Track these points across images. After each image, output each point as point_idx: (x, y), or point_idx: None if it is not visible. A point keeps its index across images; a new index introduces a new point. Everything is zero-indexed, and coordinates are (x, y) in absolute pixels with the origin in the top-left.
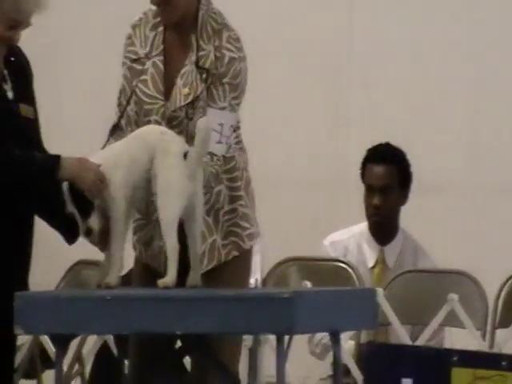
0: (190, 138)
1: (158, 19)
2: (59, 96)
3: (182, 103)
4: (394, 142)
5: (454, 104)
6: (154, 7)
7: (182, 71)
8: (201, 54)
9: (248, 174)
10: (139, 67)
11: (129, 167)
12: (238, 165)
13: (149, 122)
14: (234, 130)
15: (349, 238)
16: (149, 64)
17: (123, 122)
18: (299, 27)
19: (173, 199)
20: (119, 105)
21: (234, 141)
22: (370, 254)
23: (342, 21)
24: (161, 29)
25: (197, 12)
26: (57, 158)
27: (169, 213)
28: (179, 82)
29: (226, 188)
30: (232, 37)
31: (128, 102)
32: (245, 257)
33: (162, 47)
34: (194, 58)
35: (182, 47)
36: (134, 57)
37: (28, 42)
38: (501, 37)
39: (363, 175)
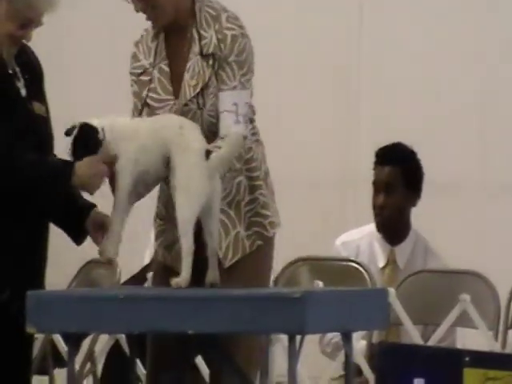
0: (205, 128)
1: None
2: (69, 95)
3: (192, 94)
4: (406, 142)
5: (466, 104)
6: None
7: (188, 65)
8: (203, 42)
9: (266, 165)
10: (146, 78)
11: (139, 151)
12: (255, 155)
13: None
14: (251, 115)
15: (360, 238)
16: (155, 72)
17: None
18: (311, 28)
19: (191, 199)
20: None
21: (250, 132)
22: (380, 254)
23: (352, 21)
24: (162, 36)
25: (193, 6)
26: (70, 165)
27: (186, 212)
28: (186, 76)
29: (246, 178)
30: (231, 16)
31: (140, 114)
32: (268, 244)
33: (165, 52)
34: (197, 48)
35: (184, 44)
36: (140, 70)
37: (38, 41)
38: (510, 40)
39: (373, 174)
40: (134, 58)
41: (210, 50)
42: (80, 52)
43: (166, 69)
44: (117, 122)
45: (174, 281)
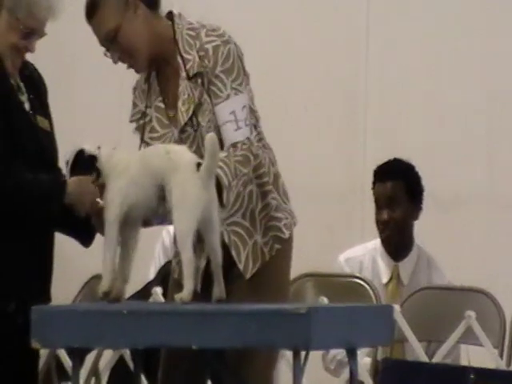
0: (202, 146)
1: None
2: (73, 110)
3: (186, 119)
4: (410, 156)
5: (472, 118)
6: None
7: (179, 92)
8: (188, 66)
9: (275, 168)
10: (144, 120)
11: (129, 184)
12: (263, 161)
13: None
14: (251, 114)
15: (364, 254)
16: (152, 111)
17: None
18: (317, 41)
19: (187, 211)
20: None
21: (256, 138)
22: (384, 269)
23: (358, 34)
24: (153, 74)
25: (174, 35)
26: (62, 184)
27: (184, 225)
28: (179, 103)
29: (256, 186)
30: (209, 29)
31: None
32: (286, 246)
33: (158, 88)
34: (184, 74)
35: (174, 73)
36: (139, 115)
37: (41, 55)
38: None
39: (374, 194)
40: (133, 105)
41: (195, 70)
42: (84, 65)
43: (161, 105)
44: (114, 155)
45: (178, 296)
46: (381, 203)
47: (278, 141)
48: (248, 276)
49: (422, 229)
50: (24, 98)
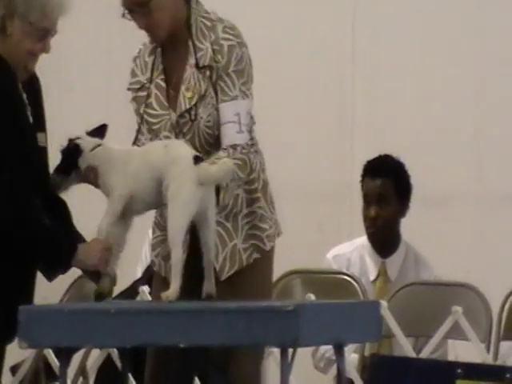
0: (201, 139)
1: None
2: (61, 89)
3: (188, 106)
4: (398, 154)
5: (459, 115)
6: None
7: (184, 77)
8: (199, 54)
9: (265, 175)
10: (144, 93)
11: (129, 178)
12: (254, 166)
13: (160, 138)
14: (251, 118)
15: (351, 251)
16: (152, 87)
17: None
18: (303, 38)
19: (180, 207)
20: (136, 139)
21: (250, 142)
22: (371, 266)
23: (345, 32)
24: (159, 50)
25: (189, 18)
26: (74, 247)
27: (175, 221)
28: (182, 87)
29: (244, 191)
30: (227, 26)
31: (139, 131)
32: (266, 258)
33: (162, 66)
34: (193, 60)
35: (181, 56)
36: (137, 86)
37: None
38: (506, 46)
39: (362, 188)
40: (132, 73)
41: (206, 62)
42: (78, 63)
43: (163, 84)
44: (112, 152)
45: (164, 294)
46: (369, 199)
47: (268, 140)
48: (223, 278)
49: (411, 225)
50: (29, 112)
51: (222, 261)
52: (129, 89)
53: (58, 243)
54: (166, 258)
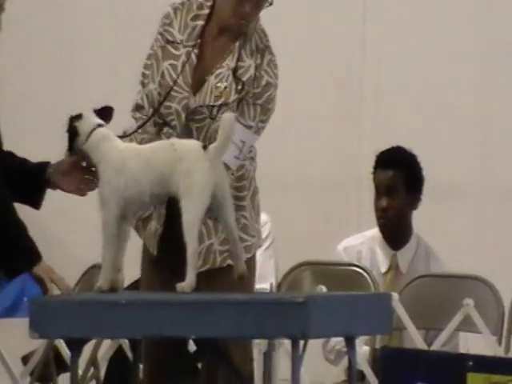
0: (211, 138)
1: (203, 11)
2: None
3: (212, 103)
4: (406, 145)
5: (467, 108)
6: None
7: (218, 71)
8: (240, 63)
9: (255, 183)
10: (172, 50)
11: (128, 181)
12: (247, 174)
13: (169, 108)
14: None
15: (362, 243)
16: (182, 51)
17: (146, 101)
18: (313, 35)
19: (194, 200)
20: (143, 83)
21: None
22: (382, 258)
23: (354, 26)
24: (201, 22)
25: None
26: (38, 256)
27: (190, 215)
28: (213, 80)
29: (232, 196)
30: (272, 61)
31: (154, 82)
32: None
33: (199, 41)
34: (232, 64)
35: (220, 49)
36: (170, 38)
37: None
38: None
39: (373, 179)
40: (168, 21)
41: (244, 78)
42: (81, 46)
43: (194, 59)
44: (110, 152)
45: (179, 285)
46: (380, 190)
47: (275, 131)
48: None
49: (420, 217)
50: None
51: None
52: (160, 33)
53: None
54: (145, 221)
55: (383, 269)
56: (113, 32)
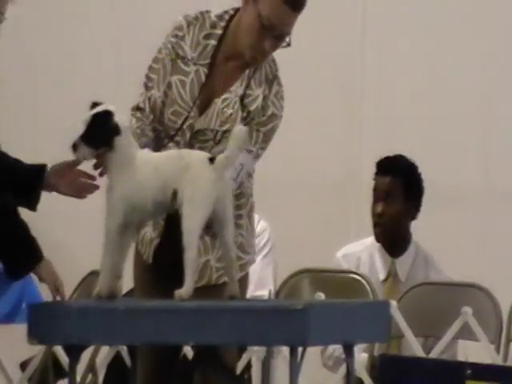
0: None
1: (216, 31)
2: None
3: (217, 127)
4: (406, 150)
5: (467, 112)
6: (213, 14)
7: (225, 96)
8: (248, 92)
9: (252, 199)
10: (182, 66)
11: (135, 188)
12: (244, 191)
13: (175, 123)
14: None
15: (361, 251)
16: (192, 69)
17: (147, 105)
18: (313, 35)
19: (196, 208)
20: (146, 86)
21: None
22: (381, 266)
23: (355, 32)
24: (213, 42)
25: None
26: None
27: (191, 222)
28: (220, 104)
29: None
30: (280, 93)
31: (158, 89)
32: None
33: (209, 60)
34: (241, 91)
35: (230, 73)
36: (181, 53)
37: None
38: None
39: (373, 184)
40: (181, 33)
41: (251, 108)
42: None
43: (203, 78)
44: (134, 150)
45: (177, 292)
46: (377, 196)
47: (275, 137)
48: None
49: (419, 224)
50: None
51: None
52: (172, 45)
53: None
54: (139, 227)
55: (382, 276)
56: (114, 33)
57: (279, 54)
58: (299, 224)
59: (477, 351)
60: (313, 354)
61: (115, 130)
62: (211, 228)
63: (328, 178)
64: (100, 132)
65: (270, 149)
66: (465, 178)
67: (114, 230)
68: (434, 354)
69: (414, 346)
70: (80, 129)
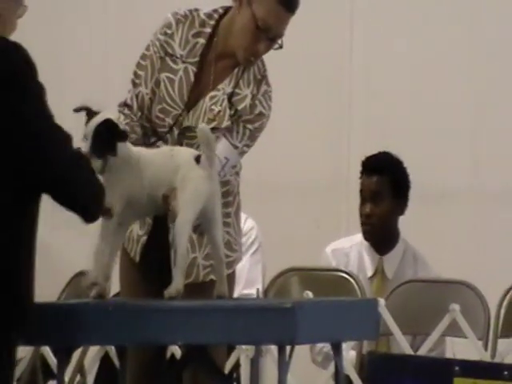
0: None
1: (205, 29)
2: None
3: (204, 124)
4: (395, 151)
5: (456, 112)
6: (202, 13)
7: (212, 94)
8: (237, 91)
9: (239, 198)
10: (171, 64)
11: (132, 188)
12: (231, 189)
13: (163, 121)
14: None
15: (350, 247)
16: (181, 67)
17: (135, 102)
18: (301, 38)
19: (186, 204)
20: (134, 82)
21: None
22: (369, 263)
23: (343, 32)
24: (202, 41)
25: None
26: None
27: (182, 218)
28: (208, 102)
29: None
30: (268, 93)
31: (146, 87)
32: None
33: (198, 59)
34: (229, 89)
35: (219, 71)
36: (170, 51)
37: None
38: (503, 45)
39: (360, 185)
40: (170, 31)
41: (239, 107)
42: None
43: (192, 76)
44: (135, 152)
45: (167, 291)
46: (365, 196)
47: (263, 136)
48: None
49: (408, 223)
50: None
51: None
52: (160, 44)
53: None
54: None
55: (369, 273)
56: (103, 33)
57: (268, 55)
58: (288, 223)
59: (465, 348)
60: (301, 352)
61: (121, 138)
62: (199, 226)
63: (317, 177)
64: (107, 142)
65: (259, 149)
66: (453, 177)
67: (110, 228)
68: (422, 352)
69: (401, 344)
70: (84, 142)
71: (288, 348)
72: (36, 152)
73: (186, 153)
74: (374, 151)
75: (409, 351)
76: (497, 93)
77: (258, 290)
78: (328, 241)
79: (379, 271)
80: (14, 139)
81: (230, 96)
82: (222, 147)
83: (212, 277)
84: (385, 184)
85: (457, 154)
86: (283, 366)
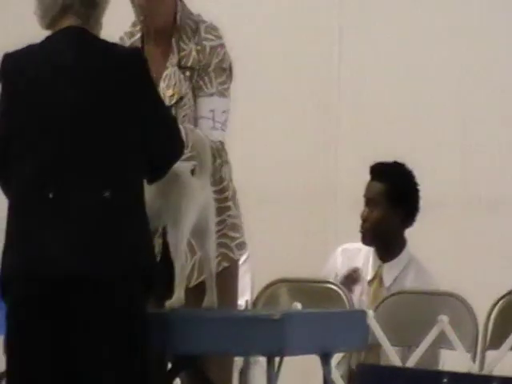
0: None
1: (136, 28)
2: None
3: (169, 104)
4: (383, 159)
5: (445, 120)
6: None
7: (164, 74)
8: (182, 54)
9: (233, 184)
10: None
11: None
12: (224, 175)
13: None
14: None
15: (361, 249)
16: None
17: None
18: (290, 45)
19: (182, 216)
20: None
21: (223, 140)
22: (370, 267)
23: (332, 42)
24: (137, 37)
25: (175, 17)
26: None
27: (176, 232)
28: (162, 84)
29: (215, 200)
30: (209, 26)
31: None
32: (235, 266)
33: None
34: (175, 59)
35: (162, 53)
36: None
37: None
38: (491, 50)
39: None
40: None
41: (189, 64)
42: None
43: None
44: None
45: (168, 303)
46: (365, 201)
47: (251, 144)
48: (191, 285)
49: None
50: None
51: (190, 269)
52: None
53: None
54: None
55: (369, 277)
56: None
57: (257, 66)
58: (277, 233)
59: (453, 360)
60: (290, 363)
61: None
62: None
63: (305, 187)
64: None
65: (248, 158)
66: (442, 186)
67: None
68: (410, 363)
69: (390, 355)
70: None
71: (277, 359)
72: (162, 125)
73: (181, 165)
74: (362, 161)
75: (398, 363)
76: (484, 104)
77: (246, 301)
78: (317, 251)
79: (377, 277)
80: (143, 114)
81: (179, 62)
82: (202, 105)
83: (224, 264)
84: (381, 191)
85: (445, 165)
86: (272, 377)
